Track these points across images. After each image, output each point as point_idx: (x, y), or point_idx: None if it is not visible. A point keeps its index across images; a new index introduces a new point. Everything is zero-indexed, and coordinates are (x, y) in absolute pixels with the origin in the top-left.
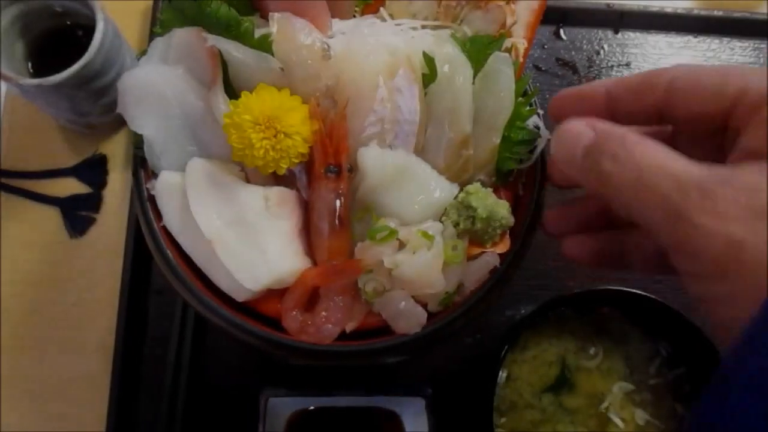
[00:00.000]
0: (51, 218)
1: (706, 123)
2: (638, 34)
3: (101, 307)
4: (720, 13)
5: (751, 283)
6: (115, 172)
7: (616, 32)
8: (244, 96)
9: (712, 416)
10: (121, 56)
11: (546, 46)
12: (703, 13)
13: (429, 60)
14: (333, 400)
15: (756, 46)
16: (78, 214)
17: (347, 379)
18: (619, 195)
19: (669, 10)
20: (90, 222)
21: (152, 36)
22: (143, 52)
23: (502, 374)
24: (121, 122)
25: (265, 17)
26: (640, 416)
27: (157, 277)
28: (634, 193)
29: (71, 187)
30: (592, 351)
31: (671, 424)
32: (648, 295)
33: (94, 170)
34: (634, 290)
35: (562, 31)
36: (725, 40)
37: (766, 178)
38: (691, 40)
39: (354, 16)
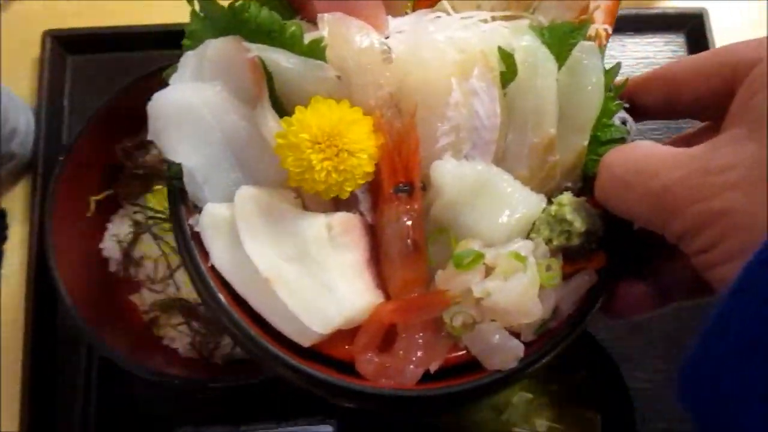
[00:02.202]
0: None
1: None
2: None
3: (8, 359)
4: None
5: (742, 240)
6: (15, 225)
7: None
8: (299, 111)
9: (703, 368)
10: (13, 112)
11: None
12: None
13: (507, 56)
14: None
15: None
16: None
17: (258, 410)
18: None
19: None
20: None
21: (186, 53)
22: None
23: None
24: (18, 174)
25: (308, 20)
26: (542, 424)
27: (60, 328)
28: (635, 201)
29: None
30: None
31: (577, 429)
32: None
33: None
34: None
35: None
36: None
37: (745, 154)
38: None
39: (406, 13)
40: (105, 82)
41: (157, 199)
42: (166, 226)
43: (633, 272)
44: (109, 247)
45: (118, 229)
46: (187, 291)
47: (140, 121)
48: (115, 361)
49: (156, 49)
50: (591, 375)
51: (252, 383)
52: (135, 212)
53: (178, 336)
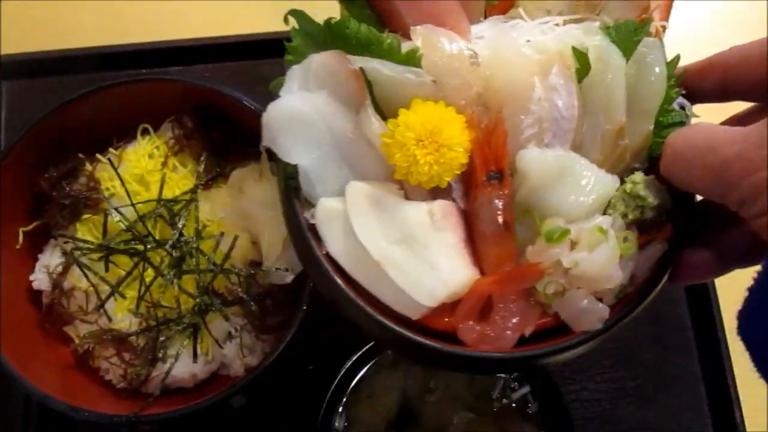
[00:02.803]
0: None
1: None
2: None
3: None
4: None
5: None
6: None
7: None
8: (403, 114)
9: (757, 311)
10: None
11: None
12: None
13: (581, 55)
14: None
15: None
16: None
17: None
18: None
19: None
20: None
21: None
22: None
23: (341, 419)
24: None
25: (394, 32)
26: None
27: None
28: (697, 174)
29: None
30: (432, 384)
31: None
32: None
33: None
34: None
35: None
36: None
37: None
38: None
39: (480, 20)
40: (43, 107)
41: (87, 228)
42: (95, 256)
43: (696, 240)
44: (40, 278)
45: (49, 260)
46: (118, 321)
47: (65, 148)
48: (50, 406)
49: (91, 73)
50: (532, 391)
51: (191, 412)
52: (65, 242)
53: (111, 368)
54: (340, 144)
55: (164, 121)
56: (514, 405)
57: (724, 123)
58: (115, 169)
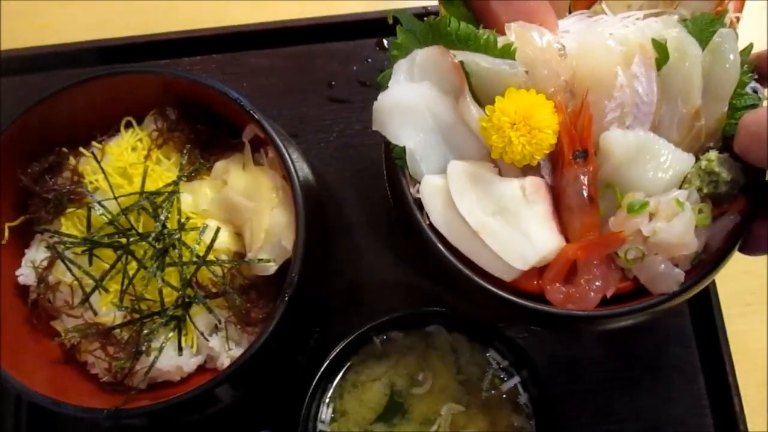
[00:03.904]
0: None
1: None
2: None
3: None
4: None
5: None
6: None
7: None
8: (498, 101)
9: None
10: None
11: (369, 60)
12: None
13: (660, 46)
14: None
15: None
16: None
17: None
18: None
19: None
20: None
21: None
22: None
23: (327, 410)
24: None
25: (489, 28)
26: None
27: None
28: None
29: None
30: (420, 377)
31: None
32: (467, 315)
33: None
34: (454, 311)
35: (385, 42)
36: None
37: None
38: None
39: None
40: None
41: (71, 222)
42: (78, 250)
43: (765, 213)
44: (26, 273)
45: (34, 255)
46: (103, 314)
47: (48, 143)
48: (40, 404)
49: (83, 67)
50: (522, 382)
51: (180, 403)
52: (50, 237)
53: (96, 361)
54: (441, 128)
55: (147, 114)
56: (504, 396)
57: None
58: (99, 163)
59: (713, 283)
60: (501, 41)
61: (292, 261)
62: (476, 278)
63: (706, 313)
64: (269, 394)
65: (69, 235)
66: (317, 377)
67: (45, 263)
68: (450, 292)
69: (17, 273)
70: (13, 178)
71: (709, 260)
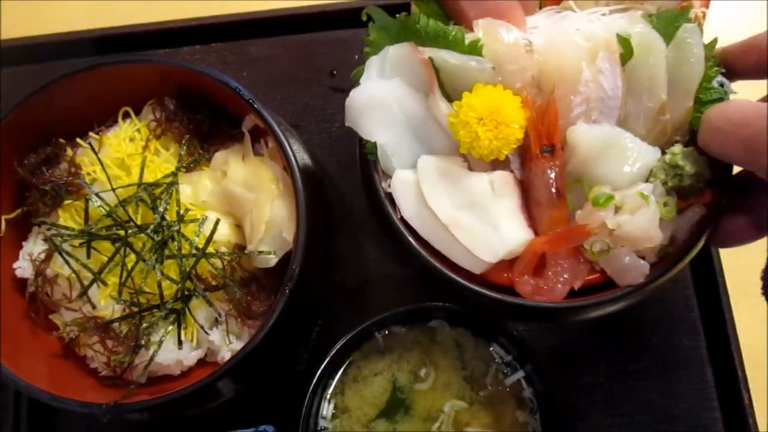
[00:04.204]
0: None
1: None
2: None
3: None
4: None
5: None
6: None
7: None
8: (466, 96)
9: None
10: None
11: None
12: None
13: (624, 41)
14: None
15: None
16: None
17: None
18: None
19: None
20: None
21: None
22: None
23: (329, 406)
24: None
25: (459, 25)
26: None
27: None
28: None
29: None
30: (423, 372)
31: None
32: (469, 310)
33: None
34: (454, 305)
35: None
36: None
37: None
38: None
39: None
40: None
41: (69, 214)
42: (76, 242)
43: (734, 207)
44: (24, 266)
45: (32, 248)
46: (102, 308)
47: (45, 134)
48: (38, 399)
49: (81, 57)
50: (526, 377)
51: (180, 397)
52: (48, 229)
53: (95, 355)
54: (412, 123)
55: (145, 104)
56: (508, 390)
57: (761, 100)
58: (96, 154)
59: (722, 275)
60: (469, 38)
61: (292, 253)
62: (447, 271)
63: (714, 306)
64: (271, 389)
65: (67, 228)
66: (318, 373)
67: (42, 256)
68: (426, 284)
69: (15, 266)
70: (10, 170)
71: (675, 252)
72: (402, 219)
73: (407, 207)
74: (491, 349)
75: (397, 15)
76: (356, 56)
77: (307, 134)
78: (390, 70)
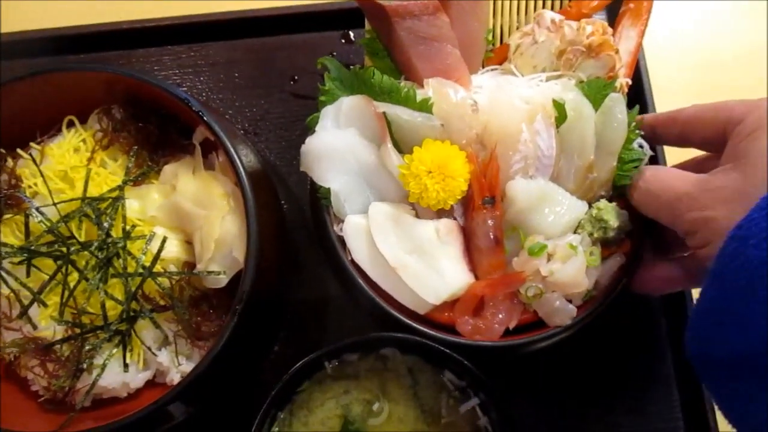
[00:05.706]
0: None
1: (712, 143)
2: None
3: None
4: None
5: (721, 236)
6: None
7: None
8: (417, 151)
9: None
10: None
11: (334, 53)
12: None
13: (559, 106)
14: None
15: None
16: None
17: None
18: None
19: None
20: None
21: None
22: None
23: None
24: None
25: (410, 80)
26: None
27: None
28: (657, 206)
29: None
30: (375, 408)
31: None
32: (416, 338)
33: None
34: (407, 335)
35: (351, 34)
36: None
37: (730, 181)
38: None
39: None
40: None
41: (9, 229)
42: (16, 260)
43: (660, 257)
44: None
45: None
46: (43, 329)
47: None
48: None
49: (28, 58)
50: (481, 404)
51: (127, 424)
52: None
53: (36, 378)
54: (364, 172)
55: (92, 112)
56: (463, 418)
57: (685, 164)
58: (37, 166)
59: (690, 294)
60: (420, 95)
61: (243, 274)
62: (393, 311)
63: (682, 327)
64: (226, 411)
65: (5, 244)
66: (265, 405)
67: None
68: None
69: None
70: None
71: (598, 296)
72: (353, 261)
73: (358, 250)
74: (443, 376)
75: (351, 67)
76: (317, 64)
77: (266, 142)
78: (345, 120)
